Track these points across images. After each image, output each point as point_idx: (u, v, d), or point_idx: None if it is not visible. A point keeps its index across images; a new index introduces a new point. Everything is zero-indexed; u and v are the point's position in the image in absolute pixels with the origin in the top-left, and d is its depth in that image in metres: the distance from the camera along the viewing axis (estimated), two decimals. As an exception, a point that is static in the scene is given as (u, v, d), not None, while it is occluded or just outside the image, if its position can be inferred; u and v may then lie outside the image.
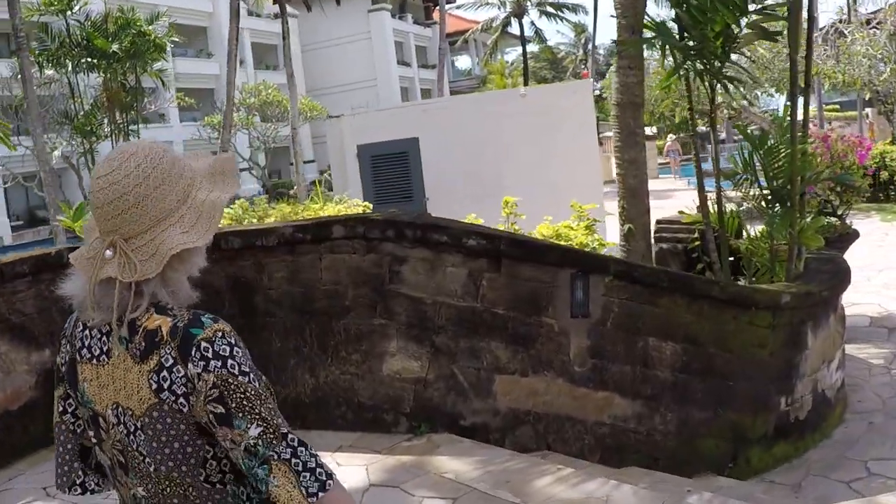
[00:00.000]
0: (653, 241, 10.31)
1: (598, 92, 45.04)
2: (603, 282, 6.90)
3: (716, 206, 9.14)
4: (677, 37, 8.47)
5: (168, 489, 2.23)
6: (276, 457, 2.11)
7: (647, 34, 8.46)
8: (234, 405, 2.10)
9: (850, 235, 11.57)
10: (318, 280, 7.56)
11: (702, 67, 8.29)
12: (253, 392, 2.12)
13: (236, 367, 2.12)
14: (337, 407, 7.61)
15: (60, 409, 2.48)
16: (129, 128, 24.81)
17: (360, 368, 7.49)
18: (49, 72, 23.99)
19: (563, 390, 7.06)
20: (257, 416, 2.11)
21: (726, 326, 7.12)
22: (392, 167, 18.84)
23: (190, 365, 2.11)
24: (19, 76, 23.09)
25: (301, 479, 2.11)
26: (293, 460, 2.12)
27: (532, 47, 61.93)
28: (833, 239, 11.04)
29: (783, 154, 8.24)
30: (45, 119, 26.40)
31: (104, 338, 2.23)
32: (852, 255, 12.60)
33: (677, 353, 7.03)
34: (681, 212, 9.33)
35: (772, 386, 7.44)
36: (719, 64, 8.38)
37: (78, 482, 2.52)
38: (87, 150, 24.31)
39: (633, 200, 9.47)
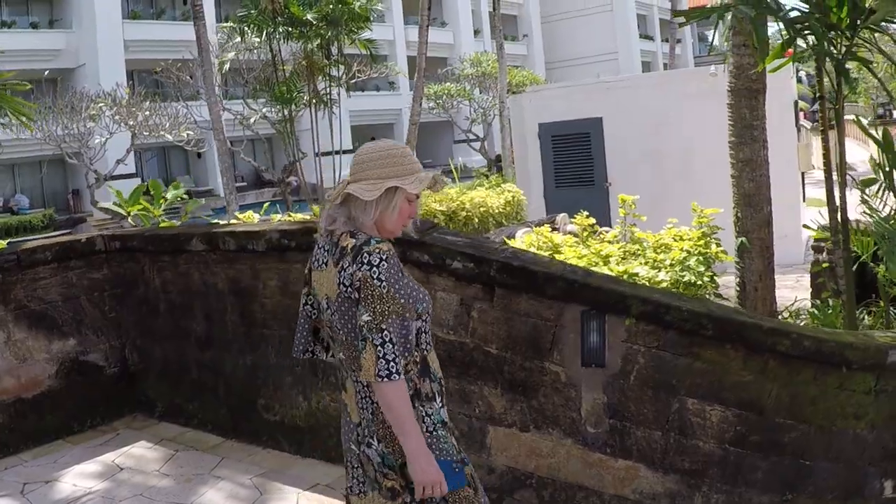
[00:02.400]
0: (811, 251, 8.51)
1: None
2: (623, 324, 5.34)
3: (862, 218, 7.28)
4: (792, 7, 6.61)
5: (352, 353, 3.37)
6: (370, 339, 3.18)
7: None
8: (362, 295, 3.22)
9: None
10: (307, 293, 6.41)
11: (818, 47, 6.42)
12: (377, 293, 3.19)
13: (376, 273, 3.21)
14: (329, 437, 6.58)
15: (303, 301, 3.71)
16: (331, 97, 24.31)
17: (348, 398, 6.30)
18: (255, 38, 23.70)
19: (572, 453, 5.58)
20: (371, 309, 3.19)
21: (803, 390, 5.37)
22: (573, 149, 17.75)
23: (354, 266, 3.26)
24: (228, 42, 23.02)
25: (378, 362, 3.17)
26: (379, 348, 3.17)
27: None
28: None
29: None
30: (249, 86, 26.34)
31: (325, 254, 3.46)
32: None
33: (728, 420, 5.34)
34: (805, 226, 7.45)
35: (871, 467, 5.60)
36: (847, 42, 6.51)
37: (310, 349, 3.81)
38: (285, 118, 23.92)
39: (748, 209, 7.70)
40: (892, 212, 6.90)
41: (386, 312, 3.19)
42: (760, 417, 5.34)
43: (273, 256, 6.79)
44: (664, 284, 7.26)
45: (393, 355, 3.18)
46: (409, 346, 3.32)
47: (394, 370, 3.17)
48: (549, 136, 17.68)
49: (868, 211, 6.96)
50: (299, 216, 11.58)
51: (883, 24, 6.80)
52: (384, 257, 3.25)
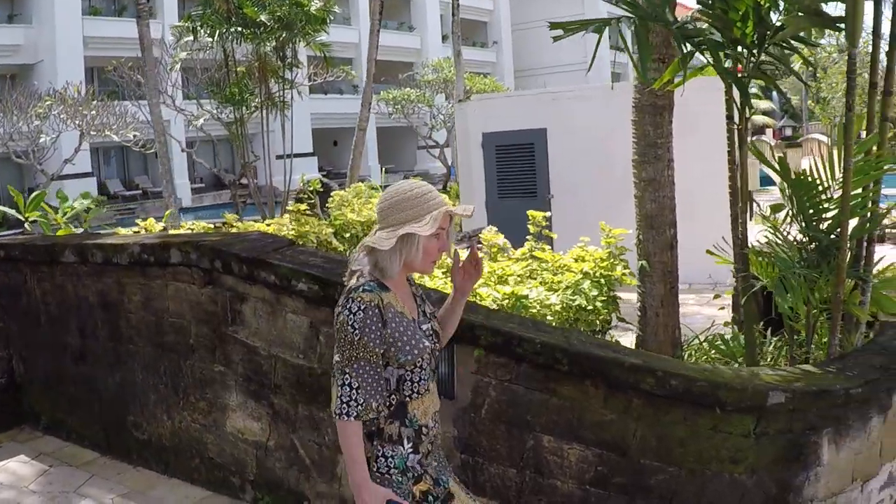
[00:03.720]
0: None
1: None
2: (472, 355, 5.04)
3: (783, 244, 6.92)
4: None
5: None
6: (335, 377, 3.37)
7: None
8: (337, 337, 3.35)
9: None
10: (166, 310, 6.33)
11: (718, 63, 6.10)
12: (349, 339, 3.31)
13: (350, 318, 3.31)
14: (191, 458, 6.45)
15: None
16: (283, 100, 23.88)
17: (207, 419, 6.26)
18: (208, 38, 23.24)
19: (424, 488, 5.21)
20: (340, 351, 3.34)
21: (672, 431, 5.06)
22: (517, 159, 17.48)
23: (339, 307, 3.39)
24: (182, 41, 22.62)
25: (335, 401, 3.35)
26: (339, 388, 3.34)
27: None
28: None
29: (819, 190, 6.03)
30: (202, 87, 25.94)
31: None
32: None
33: (588, 459, 5.05)
34: (709, 251, 7.12)
35: (750, 513, 5.25)
36: (753, 58, 6.21)
37: None
38: (236, 119, 23.47)
39: (650, 232, 7.40)
40: (794, 241, 6.58)
41: (353, 358, 3.31)
42: (624, 458, 5.05)
43: (136, 271, 6.52)
44: (556, 308, 6.94)
45: (349, 398, 3.32)
46: (378, 392, 3.39)
47: (345, 411, 3.32)
48: (492, 145, 17.33)
49: (771, 239, 6.64)
50: (198, 226, 11.21)
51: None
52: (363, 307, 3.33)
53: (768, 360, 7.47)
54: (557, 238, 9.76)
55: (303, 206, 13.34)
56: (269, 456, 5.91)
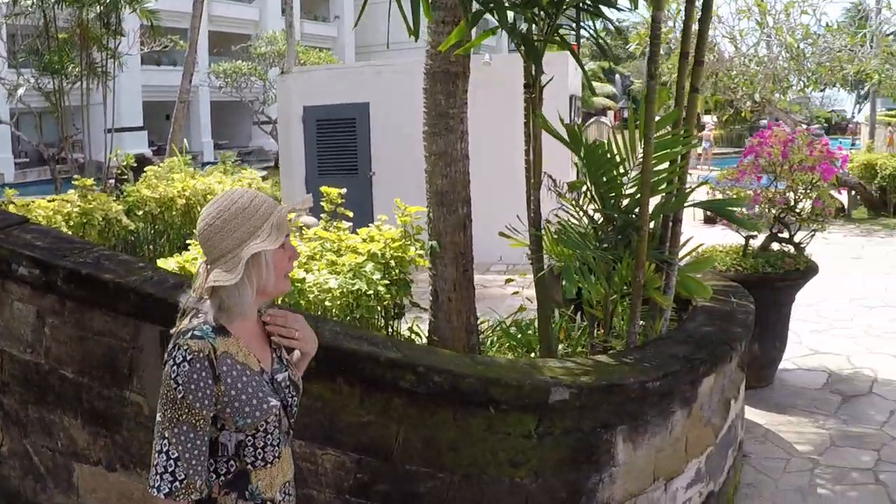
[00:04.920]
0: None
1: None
2: (207, 347, 4.40)
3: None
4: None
5: None
6: (155, 441, 2.69)
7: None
8: (160, 392, 2.69)
9: (805, 272, 8.54)
10: None
11: (504, 24, 5.60)
12: (170, 395, 2.66)
13: (174, 371, 2.65)
14: None
15: None
16: (105, 69, 22.76)
17: (-58, 419, 5.59)
18: (27, 2, 21.90)
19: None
20: (161, 410, 2.68)
21: (440, 433, 4.64)
22: (338, 135, 17.10)
23: (166, 355, 2.73)
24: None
25: (151, 469, 2.69)
26: (155, 454, 2.68)
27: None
28: (776, 276, 8.27)
29: (615, 164, 5.60)
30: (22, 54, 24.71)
31: None
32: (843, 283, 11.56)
33: (346, 466, 4.59)
34: (502, 234, 6.63)
35: (537, 521, 4.88)
36: (549, 21, 5.76)
37: None
38: (54, 90, 22.23)
39: (440, 209, 6.93)
40: (592, 221, 6.13)
41: (174, 420, 2.67)
42: (387, 464, 4.63)
43: None
44: (336, 293, 6.36)
45: (164, 469, 2.67)
46: (205, 466, 2.73)
47: (156, 485, 2.67)
48: (313, 120, 16.85)
49: (562, 218, 6.19)
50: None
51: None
52: (189, 358, 2.67)
53: (576, 346, 7.09)
54: (378, 217, 9.23)
55: (89, 182, 12.51)
56: (3, 463, 5.33)
